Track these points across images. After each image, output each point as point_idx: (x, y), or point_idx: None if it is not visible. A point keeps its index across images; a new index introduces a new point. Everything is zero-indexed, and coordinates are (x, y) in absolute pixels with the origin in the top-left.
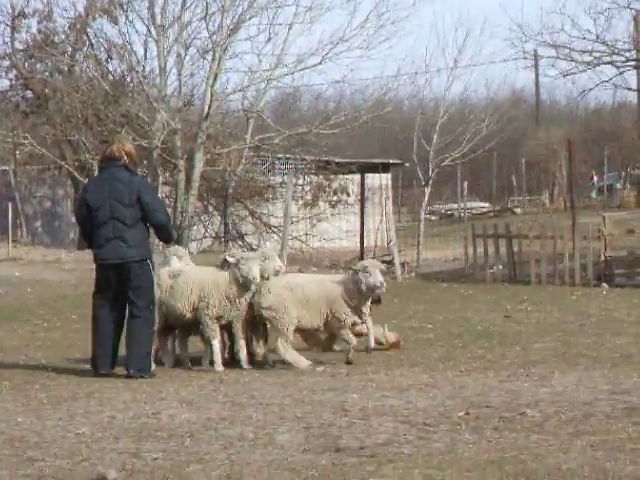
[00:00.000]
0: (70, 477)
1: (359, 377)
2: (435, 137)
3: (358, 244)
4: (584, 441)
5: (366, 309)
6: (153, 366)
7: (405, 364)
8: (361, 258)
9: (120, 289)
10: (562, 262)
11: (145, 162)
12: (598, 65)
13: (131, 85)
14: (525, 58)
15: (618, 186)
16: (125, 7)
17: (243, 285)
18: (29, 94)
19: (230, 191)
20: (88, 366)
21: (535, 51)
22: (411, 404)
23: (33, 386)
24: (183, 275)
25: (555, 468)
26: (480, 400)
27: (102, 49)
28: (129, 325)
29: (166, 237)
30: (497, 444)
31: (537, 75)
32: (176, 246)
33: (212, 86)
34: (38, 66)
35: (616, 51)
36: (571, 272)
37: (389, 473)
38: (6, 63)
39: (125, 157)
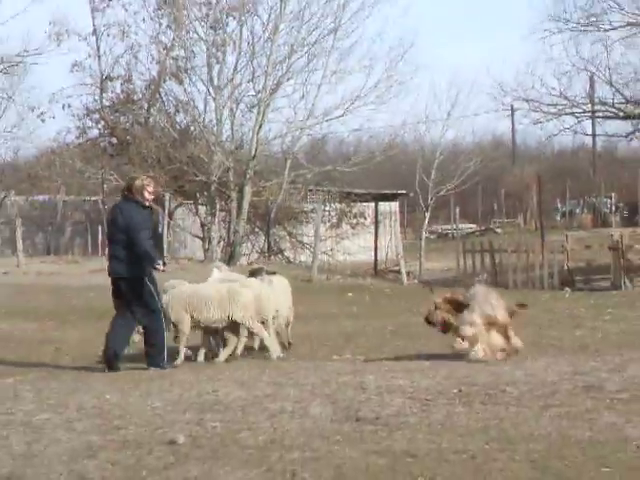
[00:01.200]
0: (147, 441)
1: (374, 362)
2: (433, 173)
3: (373, 257)
4: (551, 412)
5: None
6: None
7: (410, 351)
8: (375, 268)
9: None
10: (534, 271)
11: (205, 193)
12: (561, 115)
13: (194, 133)
14: (504, 110)
15: (577, 211)
16: (189, 72)
17: None
18: (114, 140)
19: (272, 216)
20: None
21: (512, 104)
22: (415, 383)
23: (119, 372)
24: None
25: (529, 433)
26: (470, 380)
27: (171, 105)
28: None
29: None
30: (483, 415)
31: (513, 123)
32: (217, 261)
33: (258, 133)
34: (121, 118)
35: (575, 104)
36: (541, 279)
37: (398, 438)
38: (96, 116)
39: (137, 195)
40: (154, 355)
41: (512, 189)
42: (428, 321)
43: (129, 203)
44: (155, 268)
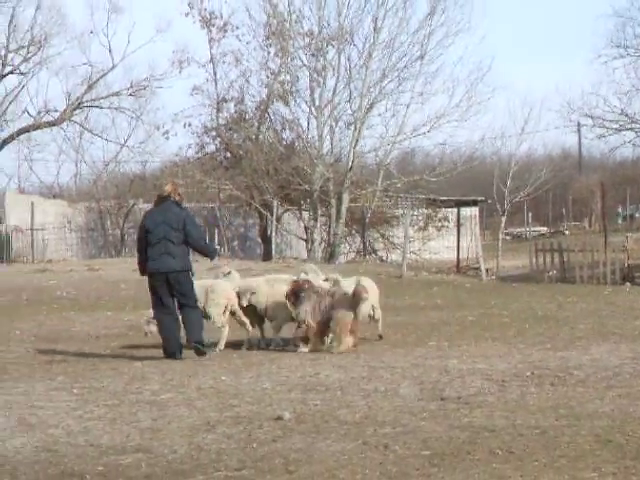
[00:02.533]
0: (258, 417)
1: (457, 348)
2: (508, 182)
3: (455, 256)
4: (614, 392)
5: None
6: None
7: (488, 339)
8: (457, 266)
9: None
10: (598, 268)
11: (308, 200)
12: (622, 130)
13: (298, 147)
14: (571, 126)
15: (637, 215)
16: (294, 94)
17: None
18: (228, 155)
19: (367, 220)
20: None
21: (578, 121)
22: (493, 367)
23: (232, 355)
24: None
25: (593, 411)
26: (541, 364)
27: (278, 123)
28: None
29: (203, 254)
30: (553, 394)
31: (580, 137)
32: (308, 264)
33: (354, 148)
34: (235, 135)
35: (635, 121)
36: (604, 275)
37: (478, 415)
38: (213, 134)
39: (176, 196)
40: (197, 333)
41: (579, 195)
42: None
43: (175, 205)
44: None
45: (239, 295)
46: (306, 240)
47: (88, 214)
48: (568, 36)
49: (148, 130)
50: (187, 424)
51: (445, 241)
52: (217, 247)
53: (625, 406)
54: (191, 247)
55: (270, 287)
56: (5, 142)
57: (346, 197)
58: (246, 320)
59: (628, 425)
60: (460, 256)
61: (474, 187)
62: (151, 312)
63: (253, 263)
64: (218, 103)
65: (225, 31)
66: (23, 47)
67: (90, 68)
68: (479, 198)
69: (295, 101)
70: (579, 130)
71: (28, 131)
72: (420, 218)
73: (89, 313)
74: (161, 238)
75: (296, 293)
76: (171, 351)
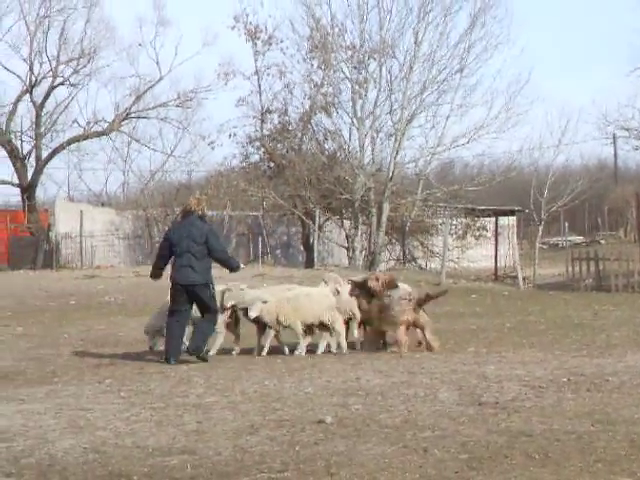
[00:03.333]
0: (300, 421)
1: (495, 354)
2: (546, 192)
3: (493, 264)
4: None
5: None
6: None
7: (525, 346)
8: (495, 274)
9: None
10: (633, 276)
11: (349, 209)
12: None
13: (340, 158)
14: (607, 137)
15: None
16: (336, 106)
17: None
18: (272, 164)
19: (407, 228)
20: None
21: (614, 133)
22: (530, 373)
23: (276, 360)
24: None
25: (629, 417)
26: (577, 371)
27: (321, 134)
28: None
29: (226, 266)
30: (589, 401)
31: (615, 149)
32: (329, 273)
33: (395, 158)
34: (278, 146)
35: None
36: (639, 283)
37: (515, 420)
38: (257, 144)
39: (199, 211)
40: (199, 342)
41: (614, 206)
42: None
43: (198, 219)
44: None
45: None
46: (347, 248)
47: (135, 222)
48: (605, 48)
49: (194, 140)
50: (231, 427)
51: (483, 250)
52: (243, 266)
53: None
54: (214, 260)
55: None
56: (55, 151)
57: (387, 206)
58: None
59: None
60: (498, 264)
61: (512, 197)
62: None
63: (295, 270)
64: (262, 114)
65: (270, 44)
66: (73, 59)
67: (138, 79)
68: (517, 208)
69: (337, 112)
70: (615, 142)
71: (78, 141)
72: (459, 227)
73: (136, 318)
74: (184, 251)
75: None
76: (167, 355)
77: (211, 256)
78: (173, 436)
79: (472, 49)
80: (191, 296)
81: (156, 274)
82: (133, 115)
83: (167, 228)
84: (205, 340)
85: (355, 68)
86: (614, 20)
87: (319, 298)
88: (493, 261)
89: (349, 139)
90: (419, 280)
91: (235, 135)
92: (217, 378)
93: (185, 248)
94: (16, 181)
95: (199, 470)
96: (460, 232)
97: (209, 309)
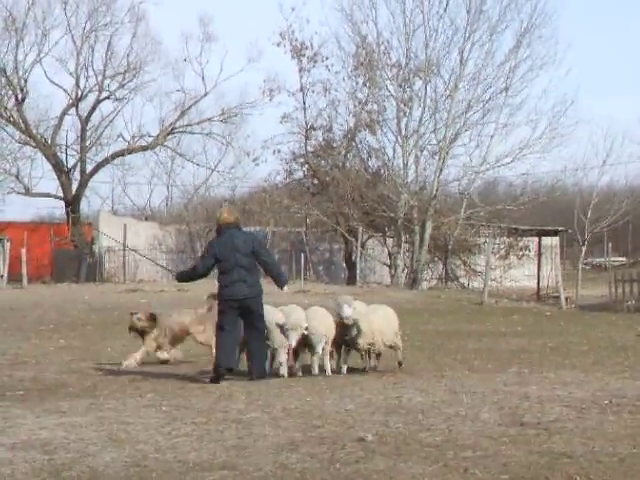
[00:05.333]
0: (341, 438)
1: (536, 375)
2: (589, 212)
3: (536, 284)
4: None
5: None
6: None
7: (567, 367)
8: (537, 294)
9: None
10: None
11: (392, 227)
12: None
13: (384, 175)
14: None
15: None
16: (380, 123)
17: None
18: (315, 181)
19: (449, 247)
20: (356, 364)
21: None
22: (572, 394)
23: (318, 378)
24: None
25: None
26: (619, 392)
27: (365, 151)
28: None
29: (275, 280)
30: (631, 423)
31: None
32: (341, 296)
33: (438, 176)
34: (322, 162)
35: None
36: None
37: (557, 441)
38: (301, 160)
39: (234, 220)
40: (261, 365)
41: None
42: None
43: (238, 229)
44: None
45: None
46: (389, 266)
47: (178, 236)
48: None
49: (238, 156)
50: (272, 443)
51: (526, 269)
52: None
53: None
54: (265, 271)
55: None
56: (100, 165)
57: (429, 225)
58: None
59: None
60: (540, 284)
61: (555, 217)
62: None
63: (338, 287)
64: (307, 131)
65: (315, 61)
66: (119, 74)
67: (183, 95)
68: (560, 228)
69: (382, 130)
70: None
71: (122, 155)
72: (502, 246)
73: None
74: (234, 266)
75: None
76: (222, 366)
77: (261, 266)
78: (214, 451)
79: (517, 69)
80: (243, 311)
81: (185, 280)
82: (177, 130)
83: (207, 243)
84: (265, 361)
85: (400, 86)
86: None
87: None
88: (535, 281)
89: (393, 157)
90: (461, 299)
91: (279, 151)
92: (258, 394)
93: (234, 262)
94: (60, 194)
95: None
96: (503, 251)
97: (258, 326)
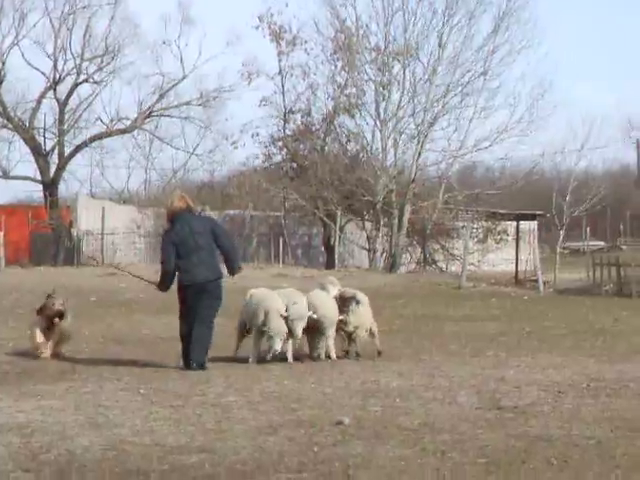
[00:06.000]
0: (319, 422)
1: (514, 359)
2: (568, 197)
3: (514, 268)
4: None
5: None
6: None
7: (545, 351)
8: (515, 278)
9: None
10: None
11: (371, 211)
12: None
13: (362, 159)
14: (630, 142)
15: None
16: (359, 107)
17: None
18: (294, 165)
19: (428, 231)
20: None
21: (637, 138)
22: (549, 378)
23: (298, 363)
24: None
25: None
26: (597, 376)
27: (343, 135)
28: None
29: (228, 264)
30: (609, 406)
31: (638, 154)
32: (330, 277)
33: (417, 160)
34: (301, 146)
35: None
36: None
37: (534, 424)
38: (280, 144)
39: (187, 207)
40: (201, 354)
41: (637, 211)
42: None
43: (196, 215)
44: (240, 268)
45: None
46: (368, 250)
47: (157, 220)
48: (629, 52)
49: (216, 139)
50: (250, 426)
51: (504, 254)
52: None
53: None
54: (221, 252)
55: None
56: (78, 148)
57: (408, 208)
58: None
59: None
60: (519, 268)
61: (533, 201)
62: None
63: (316, 271)
64: (285, 115)
65: (294, 45)
66: (97, 56)
67: (161, 78)
68: (538, 212)
69: (360, 114)
70: (638, 147)
71: (100, 138)
72: (480, 231)
73: (157, 316)
74: (194, 248)
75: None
76: (194, 361)
77: (219, 249)
78: (192, 435)
79: (496, 52)
80: (200, 294)
81: (169, 284)
82: (156, 113)
83: (162, 235)
84: (207, 350)
85: (379, 70)
86: None
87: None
88: (514, 265)
89: (372, 141)
90: (439, 283)
91: (258, 135)
92: (236, 378)
93: (193, 245)
94: (38, 177)
95: (217, 469)
96: (481, 235)
97: (210, 311)
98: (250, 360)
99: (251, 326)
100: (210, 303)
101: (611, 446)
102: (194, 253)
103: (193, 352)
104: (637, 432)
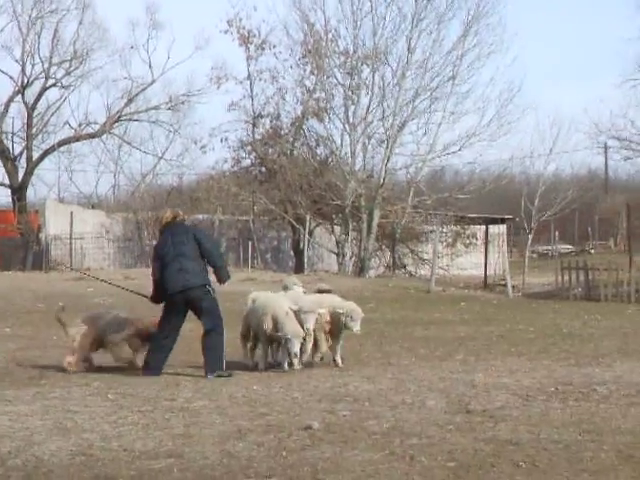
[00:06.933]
0: (287, 426)
1: (483, 363)
2: (536, 201)
3: (483, 272)
4: (637, 409)
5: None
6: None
7: (514, 355)
8: (484, 282)
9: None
10: (622, 287)
11: (340, 215)
12: None
13: (331, 163)
14: (598, 147)
15: None
16: (328, 111)
17: None
18: (263, 169)
19: (397, 235)
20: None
21: (605, 142)
22: (518, 382)
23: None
24: None
25: (616, 427)
26: (565, 380)
27: (312, 139)
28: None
29: (216, 273)
30: (577, 410)
31: (606, 158)
32: (289, 277)
33: (386, 165)
34: (270, 150)
35: None
36: (628, 294)
37: (502, 428)
38: (249, 148)
39: (176, 218)
40: (216, 362)
41: (605, 215)
42: None
43: (180, 223)
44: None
45: None
46: (337, 254)
47: (125, 224)
48: (598, 58)
49: (185, 144)
50: (219, 431)
51: (473, 258)
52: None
53: None
54: (207, 260)
55: None
56: (46, 153)
57: (377, 213)
58: None
59: None
60: (487, 273)
61: (502, 205)
62: None
63: (285, 275)
64: (254, 119)
65: (263, 49)
66: (66, 61)
67: (130, 82)
68: (507, 216)
69: (329, 118)
70: (606, 151)
71: (69, 142)
72: (449, 235)
73: None
74: (174, 256)
75: None
76: (146, 369)
77: (204, 255)
78: (160, 440)
79: (465, 57)
80: (189, 303)
81: (159, 296)
82: (125, 118)
83: (154, 246)
84: (222, 357)
85: (348, 74)
86: (607, 30)
87: None
88: (483, 269)
89: (341, 145)
90: (408, 287)
91: (227, 139)
92: (205, 382)
93: (174, 252)
94: (6, 182)
95: (185, 474)
96: (450, 240)
97: (212, 314)
98: (260, 367)
99: (256, 332)
100: (205, 311)
101: (579, 450)
102: (175, 261)
103: (207, 361)
104: (604, 436)
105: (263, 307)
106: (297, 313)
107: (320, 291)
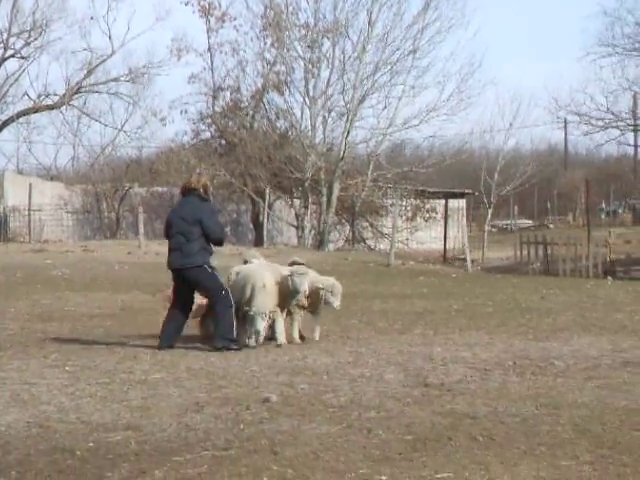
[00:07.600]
0: (245, 399)
1: (441, 336)
2: (496, 175)
3: (442, 246)
4: (593, 383)
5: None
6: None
7: (472, 328)
8: (444, 256)
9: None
10: (580, 261)
11: (300, 188)
12: (607, 128)
13: (292, 137)
14: (558, 122)
15: (619, 211)
16: (289, 84)
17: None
18: (223, 142)
19: (356, 209)
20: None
21: (565, 118)
22: (476, 355)
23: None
24: None
25: (573, 401)
26: (523, 354)
27: (273, 112)
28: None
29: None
30: (534, 384)
31: (566, 134)
32: (249, 251)
33: (346, 138)
34: (230, 123)
35: (620, 119)
36: (587, 268)
37: (460, 402)
38: (208, 121)
39: (200, 188)
40: (226, 334)
41: (564, 191)
42: None
43: (197, 198)
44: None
45: None
46: (297, 227)
47: (84, 196)
48: (558, 33)
49: (145, 116)
50: (176, 404)
51: (432, 232)
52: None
53: (604, 397)
54: (211, 242)
55: None
56: (5, 124)
57: (337, 186)
58: None
59: (606, 415)
60: (447, 247)
61: (462, 180)
62: None
63: (245, 249)
64: (214, 91)
65: (223, 21)
66: (25, 31)
67: (90, 54)
68: (467, 190)
69: (290, 91)
70: (565, 127)
71: (28, 114)
72: (408, 209)
73: (83, 293)
74: (175, 232)
75: None
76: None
77: (207, 237)
78: (117, 412)
79: (425, 31)
80: (186, 282)
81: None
82: (84, 89)
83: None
84: (231, 328)
85: (308, 47)
86: (568, 6)
87: None
88: (442, 243)
89: (301, 118)
90: (368, 261)
91: (186, 112)
92: (163, 354)
93: (174, 229)
94: None
95: (143, 446)
96: (410, 214)
97: (213, 291)
98: (250, 342)
99: (239, 306)
100: (204, 289)
101: (536, 424)
102: (175, 237)
103: (216, 333)
104: (561, 410)
105: (244, 278)
106: (290, 277)
107: (294, 264)
